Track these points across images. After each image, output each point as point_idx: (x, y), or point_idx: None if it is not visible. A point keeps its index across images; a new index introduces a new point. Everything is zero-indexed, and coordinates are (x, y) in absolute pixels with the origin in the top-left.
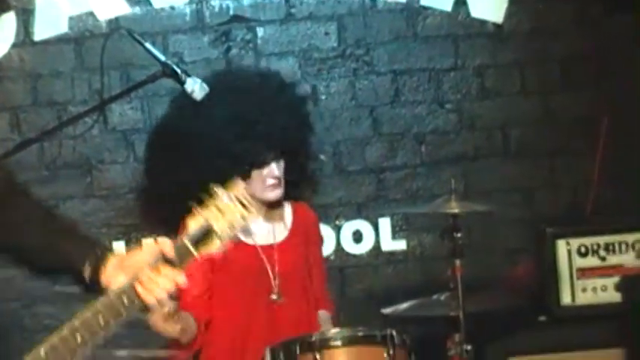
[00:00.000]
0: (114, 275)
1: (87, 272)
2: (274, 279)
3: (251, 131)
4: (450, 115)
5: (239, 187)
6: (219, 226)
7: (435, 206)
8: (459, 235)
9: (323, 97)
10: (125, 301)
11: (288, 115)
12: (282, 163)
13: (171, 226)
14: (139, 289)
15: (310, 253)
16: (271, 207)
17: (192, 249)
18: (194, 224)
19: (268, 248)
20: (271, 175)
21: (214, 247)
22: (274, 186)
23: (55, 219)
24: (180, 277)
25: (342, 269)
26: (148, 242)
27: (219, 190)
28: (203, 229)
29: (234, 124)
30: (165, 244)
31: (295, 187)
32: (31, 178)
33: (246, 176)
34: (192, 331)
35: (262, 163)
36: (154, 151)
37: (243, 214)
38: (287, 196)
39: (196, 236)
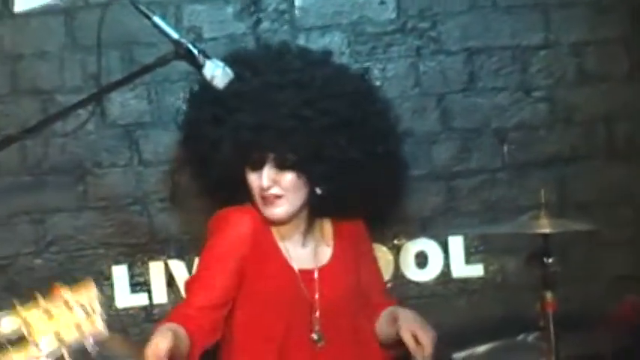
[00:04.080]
0: None
1: None
2: (315, 312)
3: (249, 118)
4: (539, 106)
5: (90, 289)
6: (41, 333)
7: (521, 223)
8: (550, 260)
9: (378, 83)
10: None
11: (309, 103)
12: (288, 175)
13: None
14: None
15: (363, 267)
16: (307, 222)
17: None
18: (9, 322)
19: (307, 273)
20: (258, 185)
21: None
22: (267, 202)
23: None
24: None
25: (402, 300)
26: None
27: (62, 290)
28: (18, 333)
29: (237, 104)
30: None
31: (332, 204)
32: (11, 186)
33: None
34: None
35: (255, 165)
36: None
37: (80, 326)
38: (321, 213)
39: (9, 339)
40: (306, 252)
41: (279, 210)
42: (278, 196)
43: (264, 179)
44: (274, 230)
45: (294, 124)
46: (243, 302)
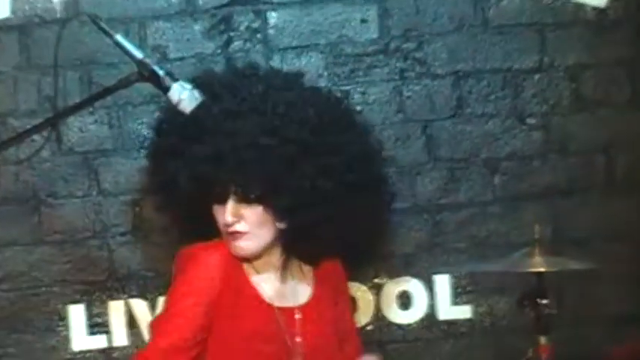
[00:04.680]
0: None
1: None
2: (295, 355)
3: (206, 149)
4: (533, 134)
5: None
6: None
7: (513, 261)
8: (545, 301)
9: (358, 108)
10: None
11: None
12: (252, 209)
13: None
14: None
15: (339, 311)
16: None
17: None
18: None
19: (287, 311)
20: (222, 220)
21: None
22: (232, 236)
23: None
24: None
25: (383, 345)
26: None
27: None
28: None
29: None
30: None
31: (302, 240)
32: None
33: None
34: None
35: (218, 198)
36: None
37: None
38: (292, 251)
39: None
40: (285, 289)
41: (245, 245)
42: (243, 232)
43: (227, 215)
44: (248, 266)
45: (253, 155)
46: (215, 345)
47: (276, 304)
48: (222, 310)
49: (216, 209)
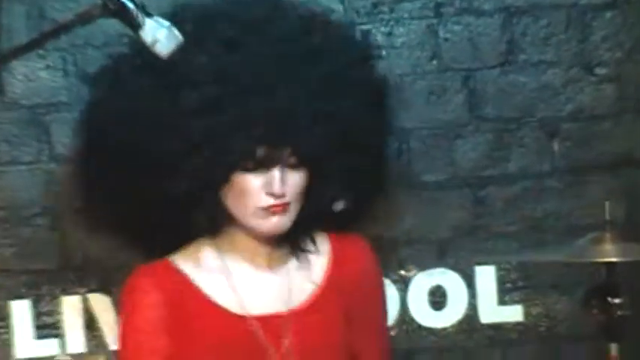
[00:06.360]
0: None
1: None
2: None
3: (239, 103)
4: (603, 87)
5: None
6: None
7: (577, 249)
8: (616, 300)
9: (383, 54)
10: None
11: (322, 80)
12: (301, 173)
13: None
14: None
15: (357, 326)
16: (279, 243)
17: None
18: None
19: (273, 320)
20: (270, 188)
21: None
22: (275, 210)
23: None
24: None
25: (411, 355)
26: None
27: None
28: None
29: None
30: None
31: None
32: None
33: (221, 183)
34: None
35: (258, 164)
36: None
37: None
38: (318, 224)
39: None
40: (272, 287)
41: (284, 220)
42: (286, 204)
43: (277, 183)
44: (221, 267)
45: (319, 108)
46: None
47: (255, 310)
48: (181, 340)
49: (245, 180)
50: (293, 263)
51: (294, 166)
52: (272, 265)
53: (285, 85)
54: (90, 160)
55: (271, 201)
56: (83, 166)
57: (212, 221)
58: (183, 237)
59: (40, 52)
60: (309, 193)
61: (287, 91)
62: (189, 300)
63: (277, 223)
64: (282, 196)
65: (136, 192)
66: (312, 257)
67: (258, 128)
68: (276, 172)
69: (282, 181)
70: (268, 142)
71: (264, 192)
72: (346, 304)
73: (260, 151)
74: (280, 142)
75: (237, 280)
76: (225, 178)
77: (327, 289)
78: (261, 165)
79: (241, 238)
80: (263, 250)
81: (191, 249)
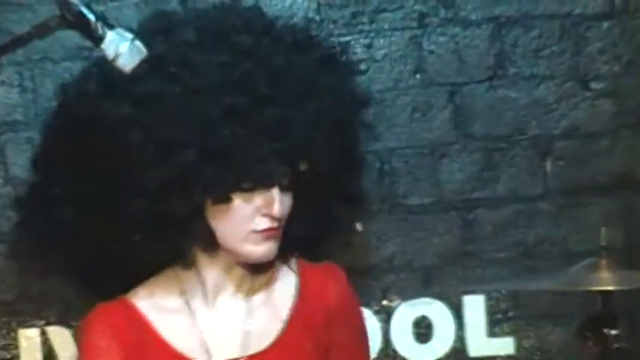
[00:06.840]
0: None
1: None
2: None
3: (257, 114)
4: (600, 103)
5: None
6: None
7: (571, 277)
8: (613, 331)
9: (362, 67)
10: None
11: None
12: (289, 196)
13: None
14: None
15: (335, 356)
16: (252, 272)
17: None
18: None
19: None
20: (269, 209)
21: None
22: (269, 234)
23: None
24: None
25: None
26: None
27: None
28: None
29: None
30: None
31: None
32: None
33: (220, 204)
34: None
35: (256, 183)
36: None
37: None
38: (288, 249)
39: None
40: (237, 330)
41: (275, 246)
42: (278, 228)
43: (276, 206)
44: (182, 306)
45: (322, 122)
46: None
47: (215, 357)
48: None
49: (243, 201)
50: (260, 297)
51: (285, 188)
52: (238, 298)
53: (306, 97)
54: (51, 185)
55: (267, 224)
56: (43, 193)
57: (199, 245)
58: (146, 270)
59: None
60: (290, 218)
61: (311, 103)
62: (146, 344)
63: (270, 248)
64: (279, 219)
65: (102, 217)
66: (279, 290)
67: (276, 141)
68: (275, 192)
69: (282, 203)
70: (286, 156)
71: (260, 214)
72: (320, 340)
73: (265, 168)
74: (297, 156)
75: (198, 321)
76: (227, 196)
77: (294, 327)
78: (259, 184)
79: (210, 269)
80: (234, 278)
81: (152, 285)
